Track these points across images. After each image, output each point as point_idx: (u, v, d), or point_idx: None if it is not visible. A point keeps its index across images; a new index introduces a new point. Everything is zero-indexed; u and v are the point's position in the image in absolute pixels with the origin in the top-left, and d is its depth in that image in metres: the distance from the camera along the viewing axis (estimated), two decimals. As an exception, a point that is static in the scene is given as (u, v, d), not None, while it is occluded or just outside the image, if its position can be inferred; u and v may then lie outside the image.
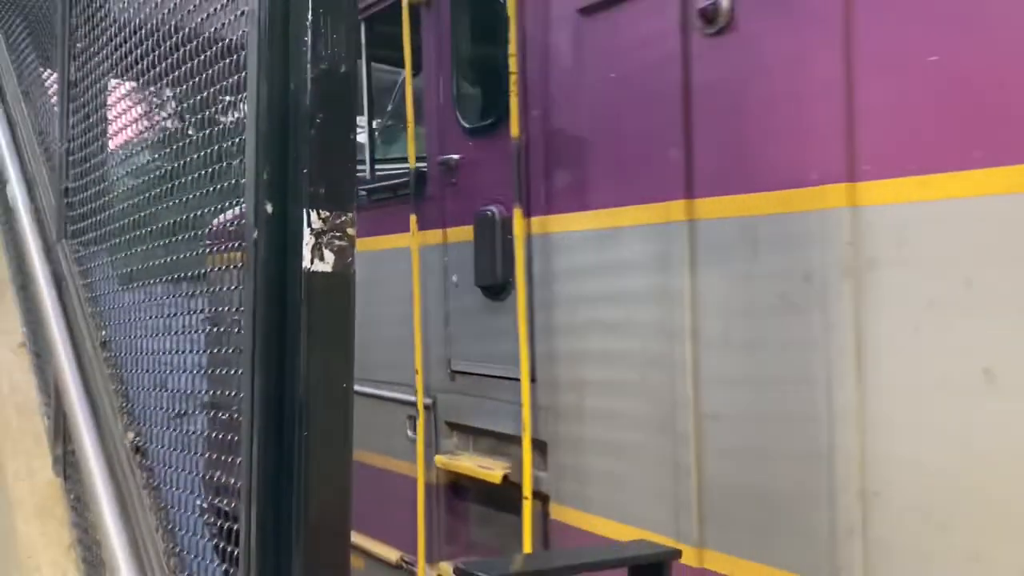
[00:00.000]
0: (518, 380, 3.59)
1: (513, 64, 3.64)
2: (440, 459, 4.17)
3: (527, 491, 3.56)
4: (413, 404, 4.27)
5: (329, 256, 1.46)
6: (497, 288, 3.82)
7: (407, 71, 4.30)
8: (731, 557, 2.86)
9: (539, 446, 3.64)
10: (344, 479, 1.50)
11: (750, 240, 2.78)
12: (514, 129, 3.67)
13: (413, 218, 4.23)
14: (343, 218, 1.48)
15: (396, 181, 4.50)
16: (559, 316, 3.56)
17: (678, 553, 2.40)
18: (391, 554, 4.52)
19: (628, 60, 3.26)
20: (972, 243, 2.29)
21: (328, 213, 1.46)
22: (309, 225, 1.44)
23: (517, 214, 3.67)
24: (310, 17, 1.45)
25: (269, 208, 1.48)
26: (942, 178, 2.33)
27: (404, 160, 4.42)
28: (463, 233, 3.98)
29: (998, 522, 2.24)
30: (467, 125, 4.07)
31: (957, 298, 2.31)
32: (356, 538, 4.50)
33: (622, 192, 3.28)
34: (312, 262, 1.45)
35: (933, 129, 2.38)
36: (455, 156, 4.09)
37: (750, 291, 2.80)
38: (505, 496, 3.73)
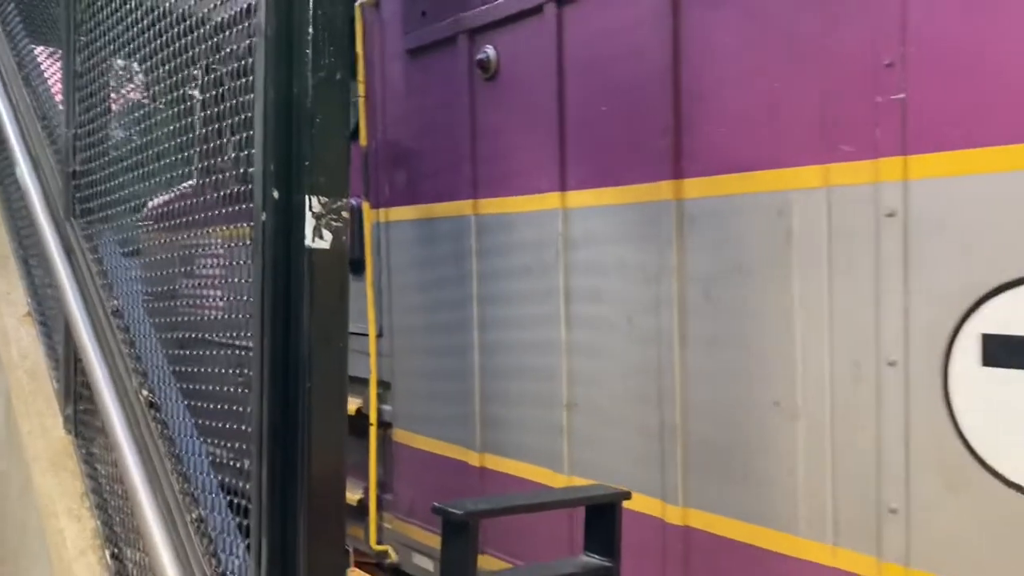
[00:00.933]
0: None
1: (361, 89, 4.74)
2: None
3: (372, 419, 4.79)
4: None
5: (327, 235, 1.73)
6: (357, 264, 4.79)
7: None
8: (503, 458, 4.06)
9: (386, 386, 4.84)
10: (341, 422, 1.78)
11: (506, 227, 3.98)
12: (363, 139, 4.77)
13: None
14: (338, 203, 1.74)
15: None
16: (397, 283, 4.73)
17: (627, 495, 2.71)
18: None
19: (437, 93, 4.38)
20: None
21: (326, 199, 1.73)
22: (310, 209, 1.71)
23: (365, 206, 4.77)
24: (310, 32, 1.71)
25: (276, 195, 1.75)
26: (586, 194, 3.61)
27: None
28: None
29: (635, 412, 3.39)
30: None
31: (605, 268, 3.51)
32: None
33: (435, 191, 4.42)
34: (313, 240, 1.71)
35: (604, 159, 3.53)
36: None
37: (509, 263, 4.00)
38: (363, 425, 4.83)
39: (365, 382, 4.88)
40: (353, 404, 5.07)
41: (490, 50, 4.03)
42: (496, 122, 4.06)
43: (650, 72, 3.28)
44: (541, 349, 3.84)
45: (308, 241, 1.70)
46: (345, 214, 1.75)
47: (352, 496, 5.12)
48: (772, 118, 2.90)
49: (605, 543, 2.72)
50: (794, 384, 2.85)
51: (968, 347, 2.39)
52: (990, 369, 2.35)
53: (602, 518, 2.73)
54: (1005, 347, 2.32)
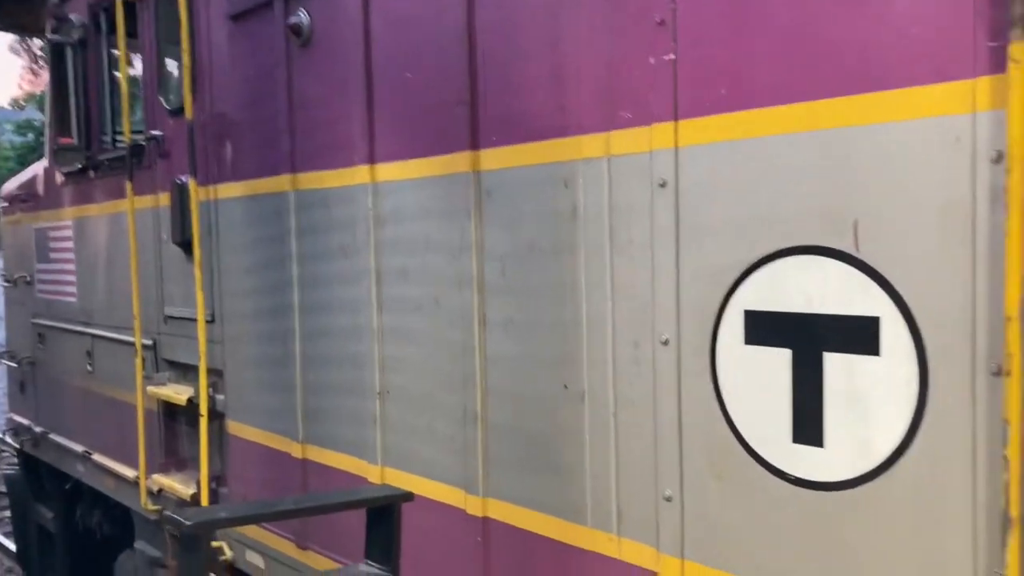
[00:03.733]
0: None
1: (186, 58, 4.44)
2: (149, 389, 5.12)
3: (203, 410, 4.54)
4: (144, 346, 5.19)
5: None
6: (187, 244, 4.55)
7: (122, 58, 5.09)
8: (323, 450, 3.87)
9: (220, 374, 4.56)
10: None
11: (323, 204, 3.75)
12: (188, 112, 4.47)
13: (129, 185, 5.06)
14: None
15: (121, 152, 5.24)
16: (227, 266, 4.45)
17: (408, 496, 2.51)
18: (129, 472, 5.44)
19: (258, 61, 4.10)
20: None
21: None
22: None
23: (192, 183, 4.49)
24: None
25: None
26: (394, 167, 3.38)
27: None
28: (169, 199, 4.82)
29: (442, 399, 3.20)
30: (168, 107, 4.84)
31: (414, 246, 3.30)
32: (106, 461, 5.80)
33: (258, 166, 4.15)
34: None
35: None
36: (160, 133, 4.94)
37: (327, 243, 3.75)
38: (197, 416, 4.63)
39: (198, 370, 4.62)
40: (185, 393, 4.81)
41: (303, 14, 3.78)
42: (312, 91, 3.82)
43: (447, 37, 3.07)
44: (355, 335, 3.62)
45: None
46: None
47: (185, 490, 4.86)
48: (560, 84, 2.72)
49: (384, 548, 2.52)
50: (580, 366, 2.68)
51: (733, 325, 2.25)
52: (752, 347, 2.21)
53: (382, 521, 2.52)
54: (764, 324, 2.18)
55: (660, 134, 2.39)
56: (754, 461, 2.22)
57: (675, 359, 2.39)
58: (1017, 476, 1.71)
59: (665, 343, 2.41)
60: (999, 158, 1.74)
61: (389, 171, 3.40)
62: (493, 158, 2.94)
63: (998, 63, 1.75)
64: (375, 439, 3.53)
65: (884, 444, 1.97)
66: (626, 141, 2.51)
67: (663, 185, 2.39)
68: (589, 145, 2.62)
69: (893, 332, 1.94)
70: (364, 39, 3.44)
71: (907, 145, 1.90)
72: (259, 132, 4.17)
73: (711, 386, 2.31)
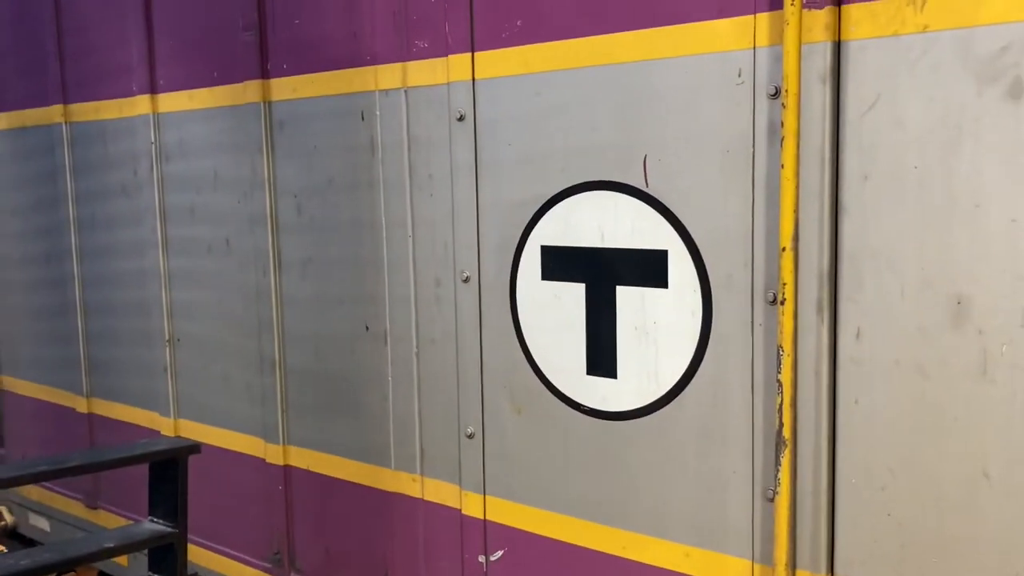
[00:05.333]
0: None
1: None
2: None
3: None
4: None
5: None
6: None
7: None
8: (112, 403, 3.64)
9: None
10: None
11: (100, 137, 3.46)
12: None
13: None
14: None
15: None
16: None
17: (195, 447, 2.36)
18: None
19: None
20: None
21: None
22: None
23: None
24: None
25: None
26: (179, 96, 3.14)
27: None
28: None
29: (238, 345, 3.06)
30: None
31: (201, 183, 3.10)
32: None
33: (24, 95, 3.78)
34: None
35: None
36: None
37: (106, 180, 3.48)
38: None
39: None
40: None
41: (70, -74, 3.41)
42: (84, 10, 3.46)
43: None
44: (140, 279, 3.37)
45: None
46: None
47: (-47, 453, 4.43)
48: (355, 10, 2.58)
49: (170, 504, 2.35)
50: (383, 306, 2.61)
51: (531, 261, 2.24)
52: (548, 283, 2.21)
53: (167, 476, 2.36)
54: (560, 259, 2.19)
55: (457, 65, 2.32)
56: (551, 394, 2.24)
57: (476, 296, 2.36)
58: (789, 399, 1.80)
59: (466, 280, 2.38)
60: (776, 93, 1.80)
61: (173, 101, 3.15)
62: (285, 87, 2.77)
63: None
64: (167, 390, 3.33)
65: (672, 373, 2.03)
66: (423, 72, 2.42)
67: (461, 119, 2.33)
68: (385, 75, 2.51)
69: (680, 265, 1.99)
70: None
71: (693, 80, 1.92)
72: (22, 58, 3.76)
73: (511, 322, 2.30)
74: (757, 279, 1.88)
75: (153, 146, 3.21)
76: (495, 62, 2.25)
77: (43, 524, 4.12)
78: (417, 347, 2.54)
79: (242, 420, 3.09)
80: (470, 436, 2.42)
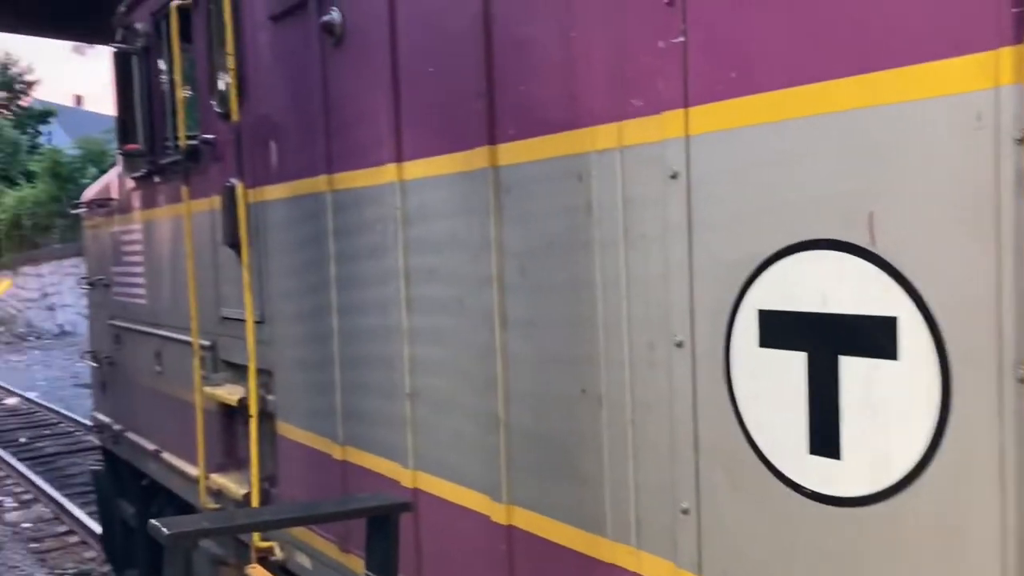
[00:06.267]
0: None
1: (231, 61, 4.45)
2: (205, 390, 5.21)
3: (252, 411, 4.55)
4: (202, 347, 5.33)
5: None
6: (237, 246, 4.60)
7: (176, 63, 5.17)
8: (361, 452, 3.79)
9: (270, 374, 4.56)
10: None
11: (356, 204, 3.67)
12: (234, 115, 4.55)
13: (184, 188, 5.20)
14: None
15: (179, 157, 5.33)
16: (274, 267, 4.43)
17: (407, 506, 2.41)
18: (192, 471, 5.53)
19: (296, 61, 4.04)
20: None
21: None
22: None
23: (240, 186, 4.54)
24: None
25: None
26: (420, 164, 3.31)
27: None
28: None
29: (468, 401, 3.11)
30: (219, 110, 4.82)
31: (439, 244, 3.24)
32: (173, 460, 5.95)
33: (298, 167, 4.11)
34: None
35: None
36: (213, 136, 4.97)
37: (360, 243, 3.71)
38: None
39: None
40: (238, 394, 4.85)
41: (335, 13, 3.74)
42: (344, 90, 3.78)
43: (465, 26, 2.98)
44: (386, 335, 3.56)
45: None
46: None
47: (239, 490, 4.90)
48: (573, 72, 2.59)
49: (384, 559, 2.42)
50: (598, 369, 2.55)
51: (747, 326, 2.08)
52: (765, 351, 2.04)
53: (382, 531, 2.44)
54: (778, 325, 2.01)
55: (671, 122, 2.24)
56: (769, 473, 2.05)
57: (690, 362, 2.24)
58: (1047, 496, 1.51)
59: (679, 345, 2.26)
60: (1024, 138, 1.55)
61: (415, 169, 3.33)
62: (510, 152, 2.83)
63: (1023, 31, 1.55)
64: (406, 442, 3.46)
65: (904, 458, 1.78)
66: (638, 131, 2.36)
67: (674, 176, 2.24)
68: (602, 136, 2.48)
69: (912, 333, 1.75)
70: (390, 34, 3.37)
71: (924, 127, 1.71)
72: (299, 133, 4.16)
73: (726, 391, 2.15)
74: (1005, 353, 1.61)
75: (398, 211, 3.40)
76: (708, 117, 2.15)
77: (306, 562, 4.42)
78: (632, 414, 2.44)
79: (471, 476, 3.14)
80: (685, 511, 2.28)
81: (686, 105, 2.20)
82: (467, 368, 3.13)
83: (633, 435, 2.45)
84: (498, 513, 2.97)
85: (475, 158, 2.95)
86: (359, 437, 3.86)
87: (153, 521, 2.18)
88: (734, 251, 2.11)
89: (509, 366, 2.91)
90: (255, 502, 4.70)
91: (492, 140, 2.88)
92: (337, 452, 4.00)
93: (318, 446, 4.22)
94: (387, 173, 3.46)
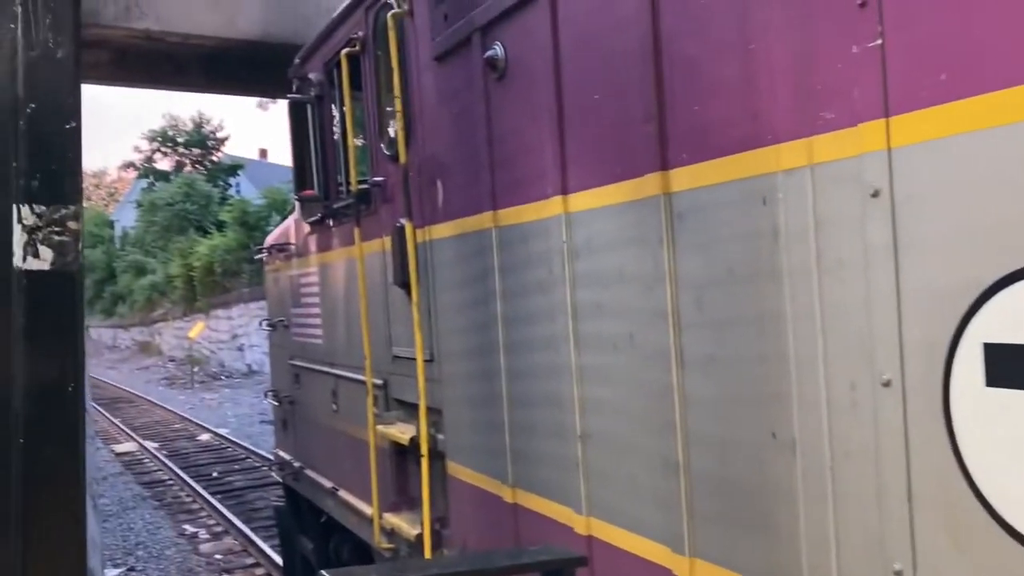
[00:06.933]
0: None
1: (398, 104, 4.51)
2: (379, 428, 5.21)
3: (424, 450, 4.50)
4: (375, 385, 5.31)
5: (47, 252, 1.46)
6: (407, 285, 4.58)
7: (347, 109, 5.30)
8: (532, 495, 3.67)
9: (439, 413, 4.49)
10: (72, 479, 1.49)
11: (521, 239, 3.60)
12: (401, 156, 4.54)
13: (356, 230, 5.26)
14: (63, 212, 1.47)
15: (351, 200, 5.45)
16: (442, 305, 4.38)
17: (581, 560, 2.26)
18: (367, 509, 5.54)
19: (461, 99, 4.03)
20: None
21: (44, 208, 1.46)
22: (20, 221, 1.44)
23: (408, 225, 4.54)
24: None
25: (-9, 205, 1.49)
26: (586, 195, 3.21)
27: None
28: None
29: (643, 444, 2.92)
30: (387, 153, 4.91)
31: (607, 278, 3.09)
32: (349, 498, 5.95)
33: (463, 205, 4.07)
34: (24, 259, 1.44)
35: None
36: (382, 178, 5.04)
37: (526, 279, 3.65)
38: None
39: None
40: (410, 432, 4.84)
41: (498, 47, 3.70)
42: (508, 124, 3.72)
43: (632, 48, 2.84)
44: (554, 374, 3.43)
45: (18, 261, 1.43)
46: (74, 225, 1.47)
47: (411, 531, 4.88)
48: (753, 88, 2.39)
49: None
50: (790, 411, 2.31)
51: (970, 361, 1.81)
52: (994, 390, 1.76)
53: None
54: (1010, 360, 1.72)
55: (869, 134, 2.00)
56: (1003, 531, 1.76)
57: (900, 403, 1.97)
58: None
59: (887, 384, 2.00)
60: None
61: (581, 200, 3.20)
62: (684, 177, 2.66)
63: None
64: (579, 486, 3.30)
65: None
66: (830, 146, 2.14)
67: (875, 194, 1.99)
68: (788, 154, 2.27)
69: None
70: (553, 64, 3.28)
71: None
72: (464, 170, 4.14)
73: (945, 436, 1.87)
74: None
75: (565, 244, 3.28)
76: (914, 126, 1.90)
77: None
78: (831, 461, 2.19)
79: (650, 525, 2.94)
80: (898, 573, 2.00)
81: (887, 115, 1.96)
82: (641, 409, 2.95)
83: (833, 485, 2.19)
84: (681, 566, 2.76)
85: (645, 185, 2.79)
86: (530, 479, 3.74)
87: (324, 572, 2.12)
88: (951, 277, 1.85)
89: (687, 407, 2.70)
90: (427, 544, 4.65)
91: (664, 165, 2.71)
92: (507, 494, 3.89)
93: (488, 488, 4.13)
94: (552, 206, 3.35)
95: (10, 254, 1.44)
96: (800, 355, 2.27)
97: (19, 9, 1.43)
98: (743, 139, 2.42)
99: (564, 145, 3.28)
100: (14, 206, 1.44)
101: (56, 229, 1.46)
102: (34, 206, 1.45)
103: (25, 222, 1.44)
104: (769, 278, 2.35)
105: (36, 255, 1.45)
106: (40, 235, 1.45)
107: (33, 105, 1.44)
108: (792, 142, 2.25)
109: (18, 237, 1.44)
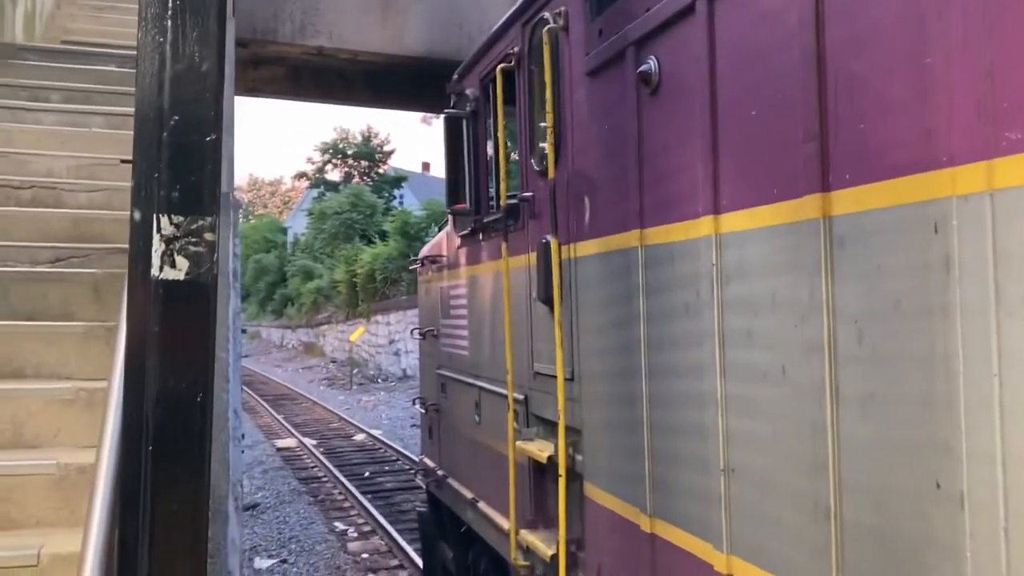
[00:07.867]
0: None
1: (549, 119, 4.47)
2: (518, 444, 5.16)
3: (562, 470, 4.41)
4: (516, 400, 5.29)
5: (182, 262, 1.48)
6: (550, 302, 4.52)
7: (500, 124, 5.35)
8: (670, 526, 3.56)
9: (578, 433, 4.41)
10: (198, 490, 1.50)
11: (668, 260, 3.50)
12: (550, 171, 4.51)
13: (504, 245, 5.30)
14: (200, 223, 1.49)
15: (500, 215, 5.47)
16: (585, 324, 4.29)
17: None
18: (505, 523, 5.53)
19: (612, 115, 3.95)
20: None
21: (182, 218, 1.48)
22: (159, 230, 1.47)
23: (554, 242, 4.49)
24: (169, 14, 1.46)
25: (137, 215, 1.53)
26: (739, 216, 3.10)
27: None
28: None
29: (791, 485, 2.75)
30: (537, 168, 4.89)
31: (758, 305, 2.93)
32: (488, 510, 6.02)
33: (610, 222, 3.98)
34: (162, 269, 1.47)
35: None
36: (531, 194, 5.01)
37: (672, 301, 3.56)
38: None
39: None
40: (548, 450, 4.78)
41: (652, 62, 3.60)
42: (659, 141, 3.60)
43: (794, 63, 2.67)
44: (698, 403, 3.28)
45: (155, 271, 1.45)
46: (209, 236, 1.48)
47: (547, 550, 4.80)
48: (927, 105, 2.18)
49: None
50: (958, 460, 2.09)
51: None
52: None
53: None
54: None
55: (1061, 158, 1.78)
56: None
57: (1091, 464, 1.73)
58: None
59: None
60: None
61: (733, 221, 3.05)
62: (846, 200, 2.46)
63: None
64: (720, 522, 3.13)
65: None
66: (1015, 171, 1.91)
67: (1069, 226, 1.77)
68: (965, 178, 2.05)
69: None
70: (709, 78, 3.15)
71: None
72: (611, 187, 4.05)
73: None
74: None
75: (714, 267, 3.13)
76: None
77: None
78: (1006, 520, 1.95)
79: (796, 571, 2.74)
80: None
81: (1087, 135, 1.74)
82: (791, 446, 2.76)
83: (1007, 547, 1.95)
84: (829, 623, 2.55)
85: (804, 207, 2.62)
86: (669, 510, 3.59)
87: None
88: None
89: (842, 448, 2.50)
90: (562, 566, 4.57)
91: (825, 187, 2.53)
92: (645, 523, 3.76)
93: (626, 514, 4.00)
94: (703, 226, 3.21)
95: (150, 264, 1.46)
96: (971, 401, 2.04)
97: (169, 23, 1.45)
98: (914, 160, 2.22)
99: (717, 163, 3.13)
100: (154, 216, 1.47)
101: (192, 240, 1.48)
102: (172, 216, 1.47)
103: (163, 232, 1.47)
104: (939, 314, 2.13)
105: (172, 265, 1.47)
106: (177, 245, 1.47)
107: (176, 117, 1.47)
108: (970, 165, 2.03)
109: (156, 247, 1.47)
